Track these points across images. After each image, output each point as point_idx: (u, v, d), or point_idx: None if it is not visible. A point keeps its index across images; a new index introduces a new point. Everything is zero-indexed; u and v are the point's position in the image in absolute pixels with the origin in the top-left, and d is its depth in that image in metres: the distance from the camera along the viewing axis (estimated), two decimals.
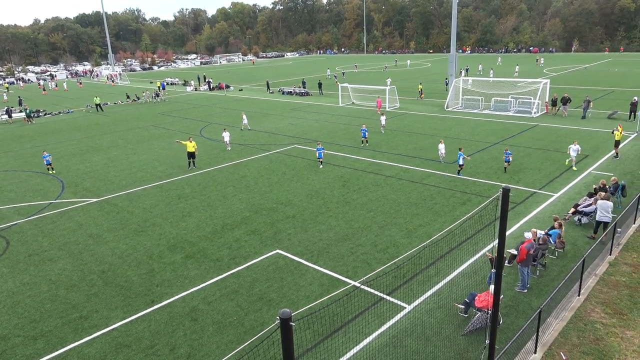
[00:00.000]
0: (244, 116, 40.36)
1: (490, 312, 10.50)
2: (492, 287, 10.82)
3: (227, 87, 71.14)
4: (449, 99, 44.84)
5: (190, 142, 28.30)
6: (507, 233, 16.01)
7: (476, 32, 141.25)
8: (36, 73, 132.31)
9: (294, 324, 5.60)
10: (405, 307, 13.10)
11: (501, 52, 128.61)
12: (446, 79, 50.68)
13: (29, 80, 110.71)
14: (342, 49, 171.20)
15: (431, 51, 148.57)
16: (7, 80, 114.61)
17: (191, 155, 28.25)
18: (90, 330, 12.98)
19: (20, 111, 55.52)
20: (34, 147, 37.55)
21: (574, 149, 24.56)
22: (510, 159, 24.41)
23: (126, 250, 17.91)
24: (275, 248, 17.20)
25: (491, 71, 69.01)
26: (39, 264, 17.20)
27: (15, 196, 25.04)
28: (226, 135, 32.46)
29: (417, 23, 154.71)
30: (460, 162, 24.06)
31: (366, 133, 31.40)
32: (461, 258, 15.58)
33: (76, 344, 12.46)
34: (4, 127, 48.87)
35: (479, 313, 12.14)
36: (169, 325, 13.10)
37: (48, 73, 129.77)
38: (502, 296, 12.74)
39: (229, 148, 32.37)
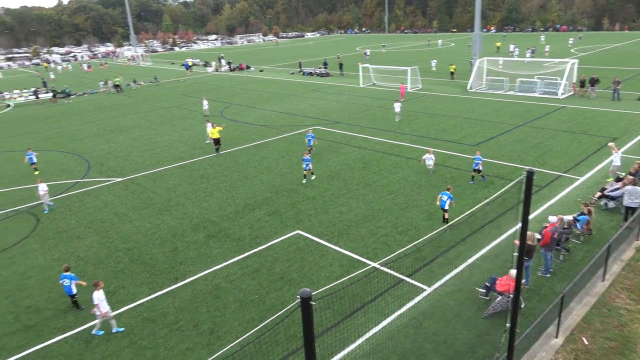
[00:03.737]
0: (205, 102, 38.79)
1: (511, 295, 10.45)
2: (513, 270, 10.74)
3: (248, 67, 71.05)
4: (472, 79, 43.96)
5: (214, 127, 27.62)
6: (531, 217, 15.81)
7: (501, 11, 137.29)
8: (60, 54, 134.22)
9: (314, 303, 5.68)
10: (426, 289, 13.13)
11: (528, 31, 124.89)
12: (471, 59, 49.56)
13: (53, 61, 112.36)
14: (363, 29, 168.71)
15: (454, 30, 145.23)
16: (33, 61, 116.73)
17: (217, 141, 27.50)
18: (117, 305, 13.39)
19: (47, 92, 56.58)
20: (60, 128, 38.32)
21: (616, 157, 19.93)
22: (481, 168, 20.67)
23: (151, 228, 18.30)
24: (295, 229, 17.34)
25: (528, 51, 66.15)
26: (67, 241, 17.73)
27: (44, 175, 25.67)
28: (209, 126, 29.39)
29: (440, 1, 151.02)
30: (480, 168, 20.70)
31: (308, 164, 22.01)
32: (482, 241, 15.46)
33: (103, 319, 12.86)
34: (32, 108, 49.92)
35: (500, 297, 12.09)
36: (192, 302, 13.42)
37: (72, 54, 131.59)
38: (523, 280, 12.65)
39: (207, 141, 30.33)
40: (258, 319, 12.38)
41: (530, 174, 8.24)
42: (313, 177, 22.39)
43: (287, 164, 24.85)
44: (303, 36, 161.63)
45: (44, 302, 13.89)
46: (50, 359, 11.60)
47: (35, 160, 26.54)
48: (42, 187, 20.26)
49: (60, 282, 13.30)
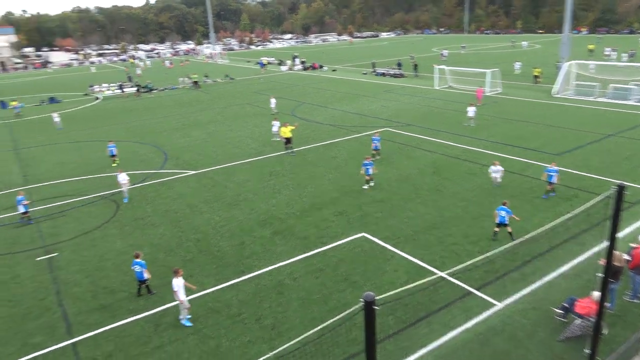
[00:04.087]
0: (273, 100, 40.04)
1: (593, 319, 9.74)
2: (596, 293, 10.00)
3: (321, 67, 71.85)
4: (559, 84, 41.46)
5: (286, 127, 27.50)
6: (619, 235, 14.64)
7: (594, 11, 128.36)
8: (145, 51, 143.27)
9: (377, 307, 5.61)
10: (496, 305, 12.57)
11: (625, 33, 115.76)
12: (557, 62, 46.75)
13: (138, 58, 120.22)
14: (441, 29, 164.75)
15: (541, 31, 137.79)
16: (120, 57, 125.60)
17: (288, 140, 27.49)
18: (185, 293, 14.04)
19: (131, 86, 60.62)
20: (141, 121, 40.91)
21: None
22: (555, 180, 18.99)
23: (220, 221, 19.03)
24: (361, 231, 17.28)
25: (625, 54, 61.27)
26: (143, 228, 18.89)
27: (124, 164, 27.53)
28: (275, 126, 30.62)
29: (526, 0, 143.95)
30: (554, 181, 19.26)
31: (370, 169, 21.36)
32: (563, 258, 14.54)
33: (172, 304, 13.57)
34: (118, 101, 53.73)
35: (580, 320, 11.30)
36: (256, 296, 13.79)
37: (156, 51, 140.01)
38: (608, 304, 11.74)
39: (277, 139, 30.50)
40: (320, 318, 12.47)
41: (620, 189, 7.67)
42: (369, 185, 21.50)
43: (356, 165, 24.83)
44: (377, 36, 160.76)
45: (119, 284, 14.88)
46: (121, 338, 12.41)
47: (115, 152, 27.71)
48: (123, 177, 21.69)
49: (132, 267, 14.16)
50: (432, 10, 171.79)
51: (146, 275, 14.05)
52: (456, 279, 13.80)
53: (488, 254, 15.02)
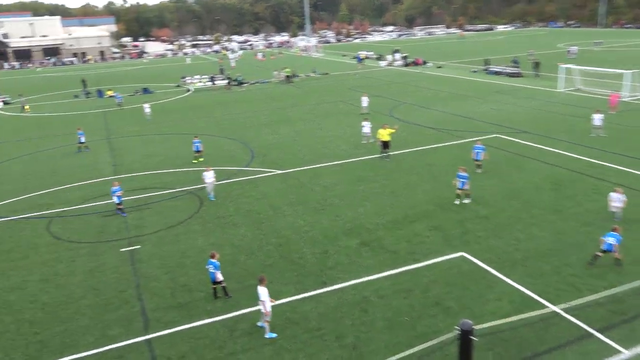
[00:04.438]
0: (365, 98, 39.76)
1: None
2: None
3: (425, 63, 70.73)
4: None
5: (385, 129, 27.03)
6: None
7: None
8: (238, 42, 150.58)
9: (475, 339, 5.36)
10: (622, 353, 11.48)
11: None
12: None
13: (231, 49, 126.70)
14: (570, 22, 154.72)
15: None
16: (213, 48, 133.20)
17: (385, 144, 27.03)
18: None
19: (223, 79, 64.03)
20: (230, 115, 43.03)
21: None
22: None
23: (303, 226, 19.42)
24: (460, 250, 16.70)
25: None
26: (224, 227, 19.82)
27: (210, 160, 29.10)
28: (367, 127, 30.56)
29: None
30: None
31: (465, 183, 20.46)
32: None
33: (248, 310, 14.07)
34: (208, 93, 57.00)
35: None
36: (337, 310, 13.85)
37: (249, 42, 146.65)
38: None
39: (371, 141, 30.29)
40: (406, 344, 12.22)
41: None
42: (467, 201, 20.61)
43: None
44: (492, 29, 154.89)
45: (197, 283, 15.72)
46: (196, 340, 13.08)
47: (200, 148, 29.11)
48: (208, 176, 22.72)
49: (207, 267, 14.86)
50: (560, 0, 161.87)
51: (219, 277, 14.65)
52: (573, 316, 12.81)
53: (615, 290, 13.80)
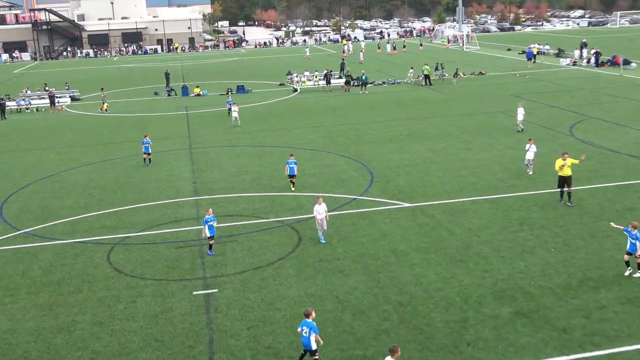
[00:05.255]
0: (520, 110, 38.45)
1: None
2: None
3: (626, 63, 67.31)
4: None
5: (564, 159, 25.06)
6: None
7: None
8: (364, 30, 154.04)
9: None
10: None
11: None
12: None
13: (355, 38, 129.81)
14: None
15: None
16: (331, 37, 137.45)
17: (564, 180, 25.21)
18: None
19: (340, 77, 65.70)
20: (346, 124, 43.92)
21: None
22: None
23: (435, 282, 19.04)
24: None
25: None
26: (327, 274, 20.04)
27: (316, 183, 29.76)
28: (531, 151, 29.27)
29: None
30: None
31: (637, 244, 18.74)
32: None
33: None
34: (320, 95, 58.75)
35: None
36: None
37: (378, 30, 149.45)
38: None
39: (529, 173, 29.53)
40: None
41: None
42: (630, 272, 18.93)
43: None
44: None
45: (287, 347, 15.97)
46: None
47: (295, 171, 28.67)
48: (320, 210, 22.36)
49: (299, 329, 14.89)
50: None
51: (313, 345, 14.56)
52: None
53: None
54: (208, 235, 22.05)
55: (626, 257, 19.06)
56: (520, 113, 38.79)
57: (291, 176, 28.87)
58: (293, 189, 29.03)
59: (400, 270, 20.12)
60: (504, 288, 18.47)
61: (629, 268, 19.06)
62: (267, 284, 19.62)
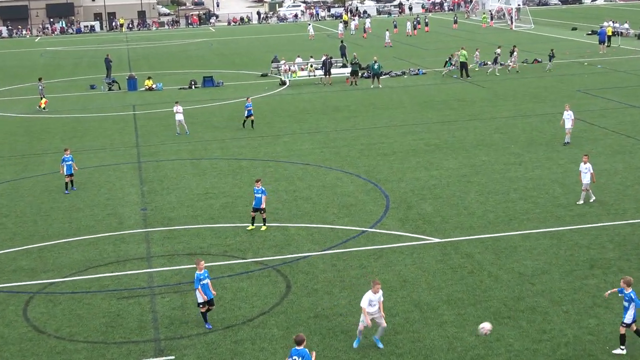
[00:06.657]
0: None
1: None
2: None
3: None
4: None
5: None
6: None
7: None
8: (377, 1, 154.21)
9: None
10: None
11: None
12: None
13: (365, 13, 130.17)
14: None
15: None
16: (331, 12, 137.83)
17: None
18: None
19: (343, 65, 65.83)
20: (351, 130, 43.96)
21: None
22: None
23: (475, 346, 18.85)
24: None
25: None
26: (326, 335, 19.79)
27: (311, 209, 29.66)
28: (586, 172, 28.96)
29: None
30: None
31: None
32: None
33: None
34: (315, 90, 58.63)
35: None
36: None
37: (394, 3, 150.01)
38: None
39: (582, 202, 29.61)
40: None
41: None
42: None
43: None
44: None
45: None
46: None
47: (262, 204, 27.47)
48: (372, 300, 19.03)
49: None
50: None
51: None
52: None
53: None
54: (205, 299, 20.33)
55: None
56: (569, 119, 38.50)
57: (256, 209, 27.97)
58: (251, 227, 28.10)
59: (427, 330, 19.92)
60: (569, 356, 18.33)
61: None
62: (244, 349, 19.36)
